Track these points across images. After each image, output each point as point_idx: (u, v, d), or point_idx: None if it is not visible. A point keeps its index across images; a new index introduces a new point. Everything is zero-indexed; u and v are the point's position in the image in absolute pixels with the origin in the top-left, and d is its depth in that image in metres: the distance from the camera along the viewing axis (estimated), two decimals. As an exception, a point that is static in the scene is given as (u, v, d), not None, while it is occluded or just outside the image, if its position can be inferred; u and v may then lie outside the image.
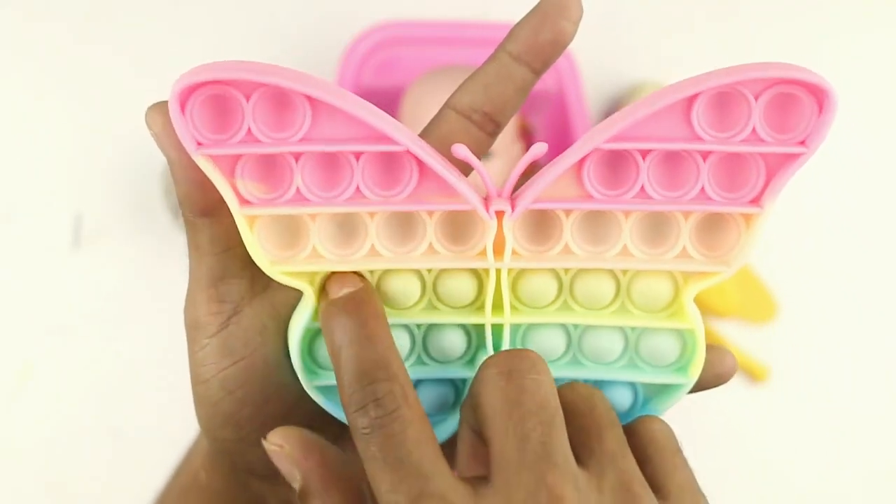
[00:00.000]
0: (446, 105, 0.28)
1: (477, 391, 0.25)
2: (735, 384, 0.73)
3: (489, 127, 0.28)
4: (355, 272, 0.28)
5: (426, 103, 0.64)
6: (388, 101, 0.72)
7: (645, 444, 0.27)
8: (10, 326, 0.71)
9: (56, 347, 0.70)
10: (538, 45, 0.26)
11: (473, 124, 0.28)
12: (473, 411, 0.26)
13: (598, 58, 0.75)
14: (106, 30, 0.75)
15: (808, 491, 0.72)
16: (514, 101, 0.28)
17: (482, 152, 0.28)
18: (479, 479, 0.24)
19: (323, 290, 0.28)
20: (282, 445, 0.27)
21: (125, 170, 0.74)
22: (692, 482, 0.26)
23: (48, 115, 0.75)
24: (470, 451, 0.27)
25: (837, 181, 0.77)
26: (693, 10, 0.80)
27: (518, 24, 0.27)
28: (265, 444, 0.27)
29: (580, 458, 0.25)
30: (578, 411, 0.26)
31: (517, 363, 0.25)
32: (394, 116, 0.72)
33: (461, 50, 0.73)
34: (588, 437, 0.25)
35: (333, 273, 0.27)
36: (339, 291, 0.27)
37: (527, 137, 0.79)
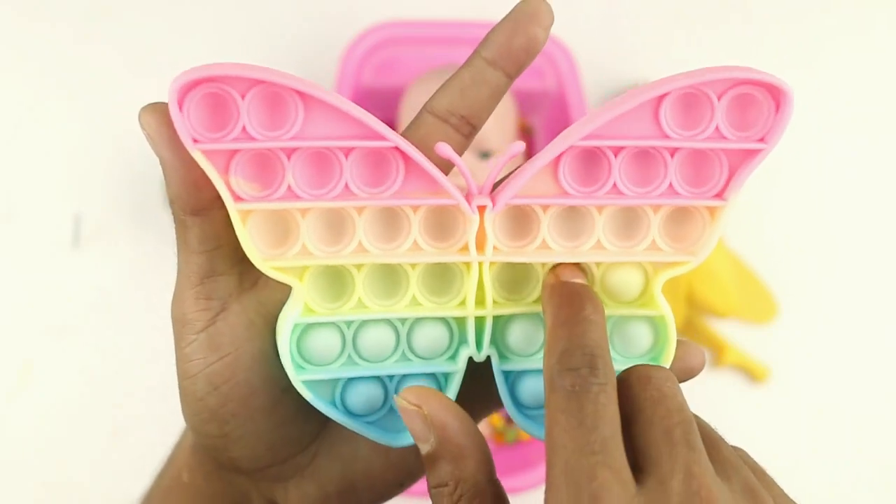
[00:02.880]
0: (424, 109, 0.29)
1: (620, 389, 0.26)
2: (735, 384, 0.73)
3: (465, 129, 0.29)
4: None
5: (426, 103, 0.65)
6: (388, 100, 0.73)
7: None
8: (10, 326, 0.71)
9: (56, 347, 0.70)
10: (512, 51, 0.28)
11: (451, 127, 0.29)
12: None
13: (598, 58, 0.76)
14: (106, 30, 0.76)
15: (808, 491, 0.72)
16: (488, 105, 0.29)
17: (460, 153, 0.29)
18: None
19: (551, 272, 0.29)
20: (419, 406, 0.27)
21: (125, 170, 0.74)
22: (788, 497, 0.27)
23: (48, 115, 0.75)
24: None
25: (837, 182, 0.78)
26: (693, 10, 0.81)
27: (492, 30, 0.28)
28: (398, 399, 0.27)
29: None
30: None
31: (654, 371, 0.27)
32: (394, 116, 0.74)
33: (461, 50, 0.74)
34: (707, 447, 0.26)
35: (560, 264, 0.29)
36: (573, 278, 0.29)
37: (527, 137, 0.79)
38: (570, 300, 0.28)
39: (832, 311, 0.75)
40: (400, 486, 0.33)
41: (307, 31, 0.78)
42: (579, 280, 0.29)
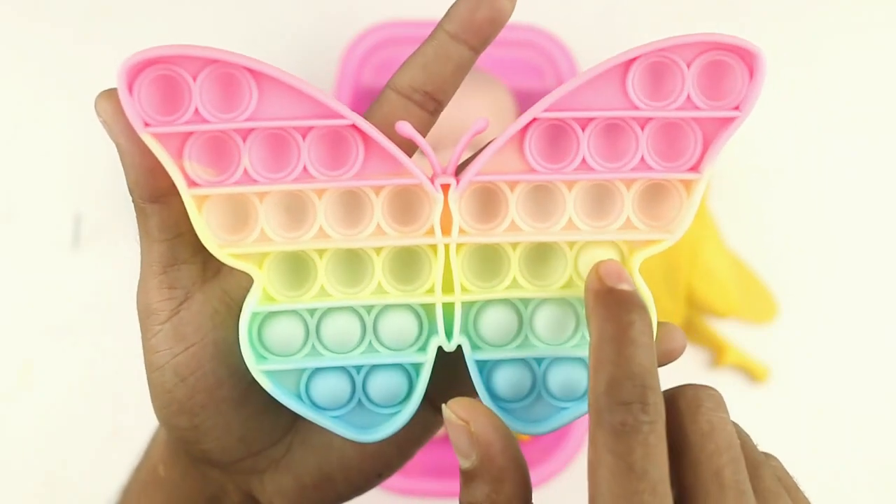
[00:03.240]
0: (387, 86, 0.28)
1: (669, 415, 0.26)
2: (735, 384, 0.73)
3: (430, 105, 0.28)
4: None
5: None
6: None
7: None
8: (10, 326, 0.71)
9: (56, 347, 0.70)
10: (475, 24, 0.27)
11: (415, 104, 0.28)
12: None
13: (598, 58, 0.75)
14: (106, 30, 0.76)
15: (808, 491, 0.71)
16: (453, 80, 0.28)
17: (426, 131, 0.29)
18: None
19: (594, 273, 0.27)
20: (467, 422, 0.26)
21: (125, 169, 0.75)
22: None
23: (48, 115, 0.75)
24: None
25: (837, 182, 0.77)
26: (693, 9, 0.81)
27: (455, 2, 0.27)
28: (445, 410, 0.26)
29: None
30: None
31: (705, 397, 0.26)
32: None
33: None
34: (750, 477, 0.26)
35: (603, 263, 0.27)
36: (619, 283, 0.26)
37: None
38: (618, 313, 0.25)
39: (832, 311, 0.75)
40: (378, 476, 0.32)
41: (307, 31, 0.78)
42: (625, 286, 0.26)
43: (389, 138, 0.27)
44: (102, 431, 0.68)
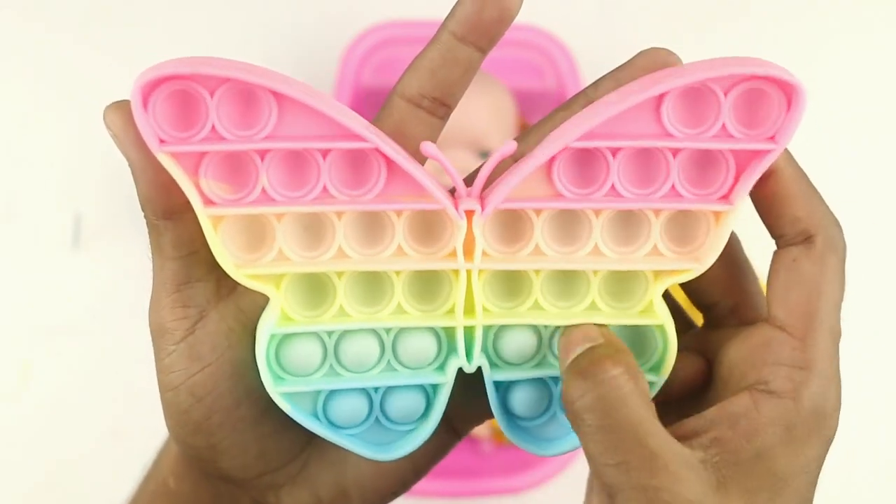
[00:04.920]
0: (394, 93, 0.27)
1: None
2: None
3: (440, 111, 0.27)
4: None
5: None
6: (388, 101, 0.72)
7: None
8: (10, 326, 0.71)
9: (56, 347, 0.70)
10: (483, 24, 0.26)
11: (424, 111, 0.27)
12: None
13: (598, 58, 0.75)
14: (105, 30, 0.75)
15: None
16: (461, 83, 0.27)
17: (435, 137, 0.28)
18: None
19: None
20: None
21: (125, 170, 0.74)
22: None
23: (49, 116, 0.75)
24: None
25: (837, 182, 0.76)
26: (694, 9, 0.80)
27: (459, 2, 0.26)
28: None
29: None
30: None
31: None
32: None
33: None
34: None
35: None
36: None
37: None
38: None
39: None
40: (393, 494, 0.32)
41: (307, 31, 0.77)
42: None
43: (403, 147, 0.26)
44: (102, 431, 0.68)
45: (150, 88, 0.24)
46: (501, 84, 0.72)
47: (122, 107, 0.25)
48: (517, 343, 0.28)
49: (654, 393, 0.28)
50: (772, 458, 0.26)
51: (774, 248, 0.28)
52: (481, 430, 0.66)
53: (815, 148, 0.76)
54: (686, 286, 0.29)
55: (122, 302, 0.71)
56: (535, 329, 0.29)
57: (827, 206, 0.27)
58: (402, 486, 0.32)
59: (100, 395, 0.69)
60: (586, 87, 0.28)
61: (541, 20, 0.72)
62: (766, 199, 0.27)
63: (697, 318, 0.31)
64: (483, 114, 0.68)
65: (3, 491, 0.68)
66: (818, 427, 0.26)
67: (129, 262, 0.71)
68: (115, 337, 0.70)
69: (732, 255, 0.29)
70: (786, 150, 0.26)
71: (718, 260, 0.27)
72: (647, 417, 0.25)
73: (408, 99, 0.27)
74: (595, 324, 0.28)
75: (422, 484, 0.64)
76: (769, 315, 0.27)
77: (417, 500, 0.63)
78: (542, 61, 0.73)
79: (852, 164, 0.77)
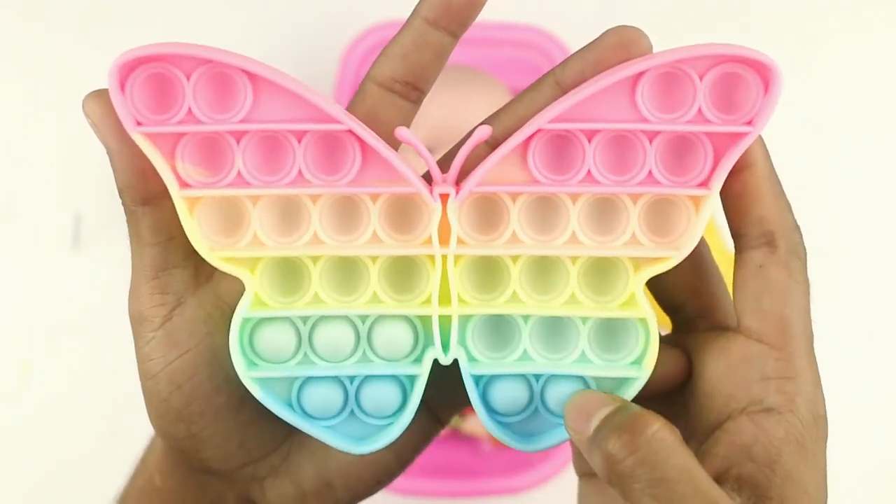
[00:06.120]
0: (367, 78, 0.28)
1: None
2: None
3: (413, 95, 0.28)
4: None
5: (425, 103, 0.64)
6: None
7: None
8: (10, 326, 0.71)
9: (56, 347, 0.70)
10: (454, 9, 0.26)
11: (396, 95, 0.27)
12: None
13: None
14: (105, 30, 0.76)
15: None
16: (433, 67, 0.27)
17: (409, 121, 0.28)
18: None
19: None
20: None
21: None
22: None
23: (49, 115, 0.75)
24: None
25: (837, 182, 0.77)
26: (692, 8, 0.80)
27: None
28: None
29: None
30: None
31: None
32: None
33: (461, 49, 0.73)
34: None
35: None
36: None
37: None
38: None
39: (832, 311, 0.74)
40: (378, 483, 0.32)
41: (307, 31, 0.78)
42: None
43: (376, 132, 0.26)
44: (102, 431, 0.68)
45: (128, 70, 0.25)
46: (501, 84, 0.72)
47: (100, 95, 0.25)
48: (497, 335, 0.28)
49: (637, 390, 0.28)
50: (797, 478, 0.26)
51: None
52: (481, 430, 0.66)
53: (815, 148, 0.77)
54: (653, 287, 0.29)
55: (122, 302, 0.71)
56: (514, 322, 0.28)
57: (792, 213, 0.27)
58: (387, 476, 0.32)
59: (100, 395, 0.69)
60: (554, 68, 0.28)
61: (541, 20, 0.72)
62: (736, 194, 0.27)
63: (666, 324, 0.31)
64: (482, 114, 0.68)
65: (3, 491, 0.68)
66: (819, 431, 0.27)
67: (129, 262, 0.73)
68: (115, 337, 0.70)
69: (698, 256, 0.29)
70: (764, 147, 0.26)
71: (685, 260, 0.27)
72: (696, 466, 0.24)
73: (380, 83, 0.27)
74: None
75: (422, 484, 0.64)
76: (741, 325, 0.27)
77: (417, 501, 0.63)
78: (541, 61, 0.73)
79: (852, 164, 0.77)
